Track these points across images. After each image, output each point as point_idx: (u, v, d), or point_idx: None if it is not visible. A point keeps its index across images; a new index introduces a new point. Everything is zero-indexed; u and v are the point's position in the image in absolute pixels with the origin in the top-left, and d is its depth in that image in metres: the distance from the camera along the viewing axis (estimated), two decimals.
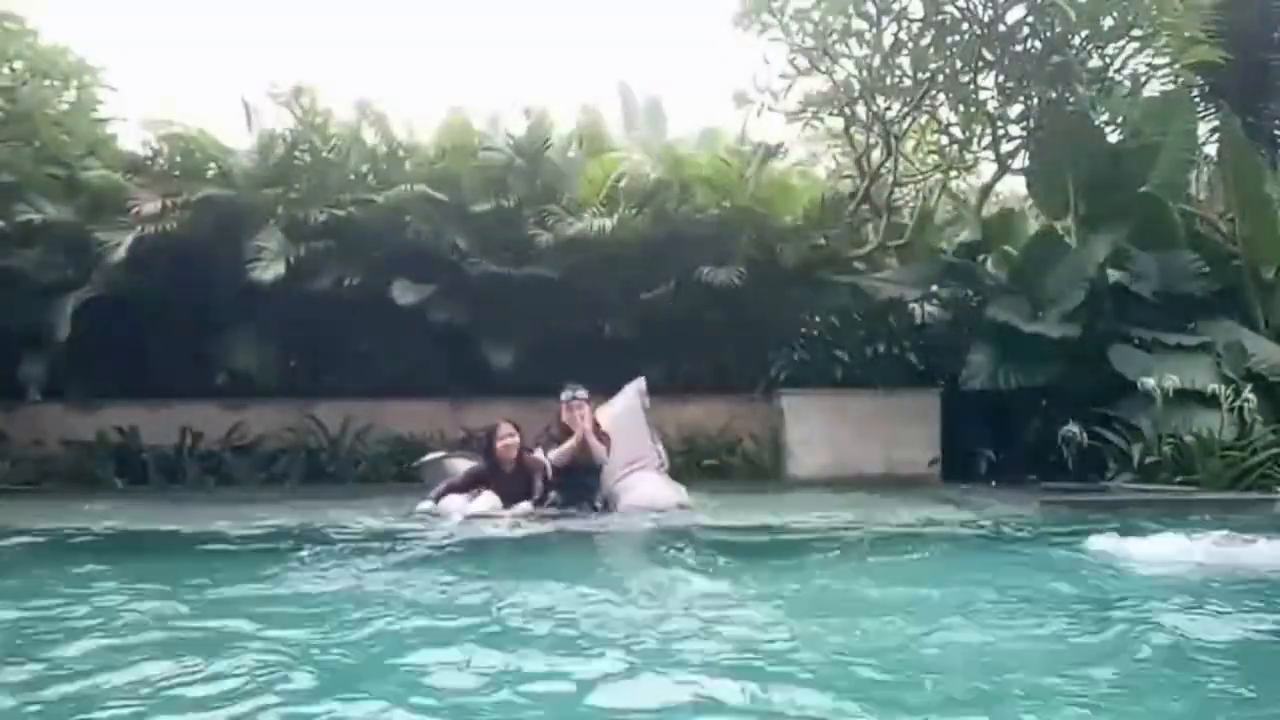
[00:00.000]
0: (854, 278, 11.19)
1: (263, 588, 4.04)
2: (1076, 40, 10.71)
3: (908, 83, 11.05)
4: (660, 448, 7.67)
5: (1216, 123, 11.38)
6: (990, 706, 2.42)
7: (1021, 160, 11.64)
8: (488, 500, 6.64)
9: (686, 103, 24.57)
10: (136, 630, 3.22)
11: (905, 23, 10.73)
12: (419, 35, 27.11)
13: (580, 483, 7.00)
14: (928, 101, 11.35)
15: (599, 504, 7.04)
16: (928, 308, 11.75)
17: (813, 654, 2.90)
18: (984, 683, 2.61)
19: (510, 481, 6.80)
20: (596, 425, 7.04)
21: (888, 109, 11.42)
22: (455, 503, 6.69)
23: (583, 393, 7.01)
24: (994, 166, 11.89)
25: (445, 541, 5.60)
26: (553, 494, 6.92)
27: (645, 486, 7.12)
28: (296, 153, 10.91)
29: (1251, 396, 8.53)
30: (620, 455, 7.20)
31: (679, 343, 10.92)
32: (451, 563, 4.88)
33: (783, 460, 10.48)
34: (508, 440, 6.85)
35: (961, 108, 11.50)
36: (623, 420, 7.46)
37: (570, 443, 6.89)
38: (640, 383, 7.65)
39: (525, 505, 6.67)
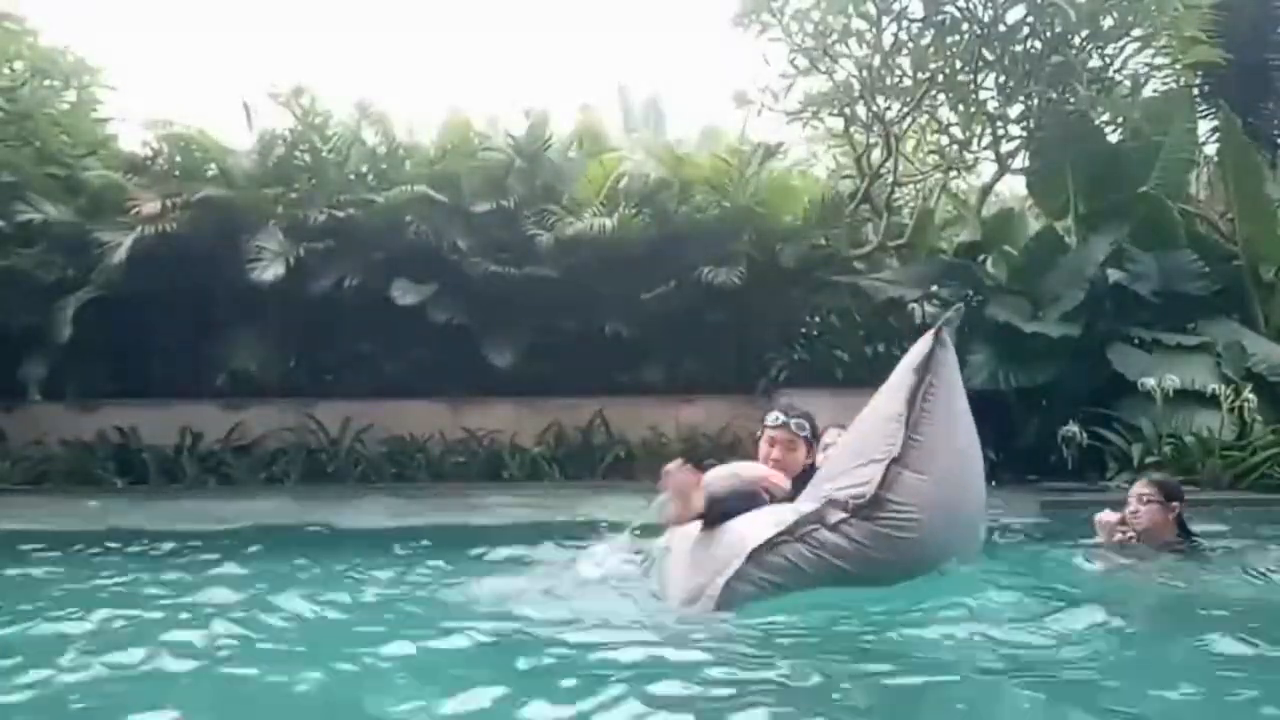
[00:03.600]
0: (854, 278, 11.17)
1: None
2: (1076, 40, 10.70)
3: (908, 83, 11.04)
4: (900, 441, 3.77)
5: (1216, 123, 11.37)
6: None
7: (1021, 160, 11.62)
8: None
9: (686, 103, 24.61)
10: None
11: (905, 23, 10.73)
12: (419, 35, 27.16)
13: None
14: (928, 101, 11.34)
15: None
16: (928, 308, 11.73)
17: None
18: None
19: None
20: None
21: (888, 109, 11.41)
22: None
23: (789, 424, 4.41)
24: (994, 166, 11.88)
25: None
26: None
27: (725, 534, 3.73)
28: (296, 153, 10.90)
29: (1251, 396, 8.51)
30: (855, 449, 4.01)
31: (679, 343, 10.91)
32: None
33: None
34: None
35: (961, 108, 11.49)
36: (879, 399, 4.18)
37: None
38: (927, 336, 4.01)
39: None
